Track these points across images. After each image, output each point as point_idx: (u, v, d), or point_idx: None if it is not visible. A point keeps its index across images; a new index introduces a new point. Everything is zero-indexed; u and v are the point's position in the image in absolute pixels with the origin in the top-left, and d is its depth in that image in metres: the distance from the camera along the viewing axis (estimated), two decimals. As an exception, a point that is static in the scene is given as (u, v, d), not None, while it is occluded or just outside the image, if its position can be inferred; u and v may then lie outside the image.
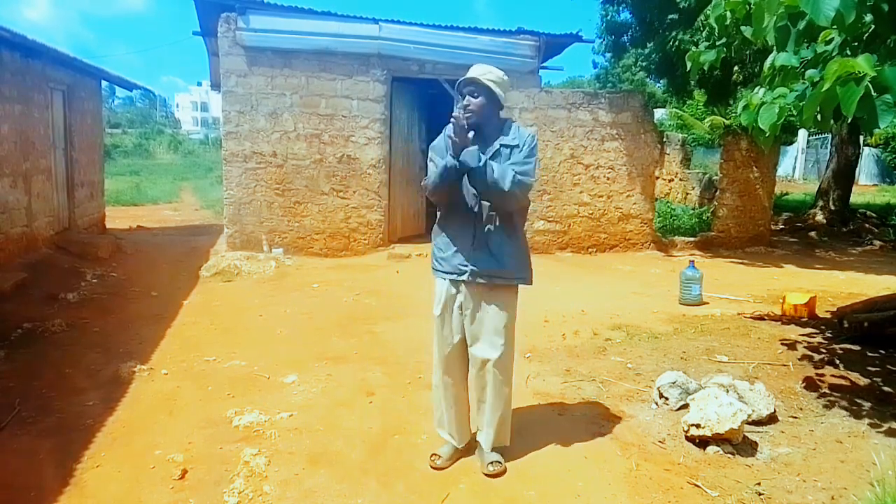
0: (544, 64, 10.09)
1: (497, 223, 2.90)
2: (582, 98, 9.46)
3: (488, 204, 2.88)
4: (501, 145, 2.86)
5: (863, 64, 2.36)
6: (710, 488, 2.89)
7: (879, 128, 2.46)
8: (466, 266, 2.91)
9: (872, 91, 2.38)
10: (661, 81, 13.87)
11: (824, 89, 2.46)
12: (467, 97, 2.83)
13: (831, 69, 2.42)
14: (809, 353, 4.89)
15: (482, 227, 2.90)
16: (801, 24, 2.79)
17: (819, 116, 2.72)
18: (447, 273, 2.97)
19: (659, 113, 18.47)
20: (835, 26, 2.63)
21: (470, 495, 2.82)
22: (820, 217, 12.79)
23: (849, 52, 3.00)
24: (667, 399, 3.80)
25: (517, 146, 2.85)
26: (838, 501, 2.82)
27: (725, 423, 3.19)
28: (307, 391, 4.00)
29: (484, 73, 2.85)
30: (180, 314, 5.77)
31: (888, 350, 4.90)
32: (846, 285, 7.78)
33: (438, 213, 3.08)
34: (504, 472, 2.98)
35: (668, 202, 13.50)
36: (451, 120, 2.73)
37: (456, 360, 3.05)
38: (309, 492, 2.84)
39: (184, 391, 3.97)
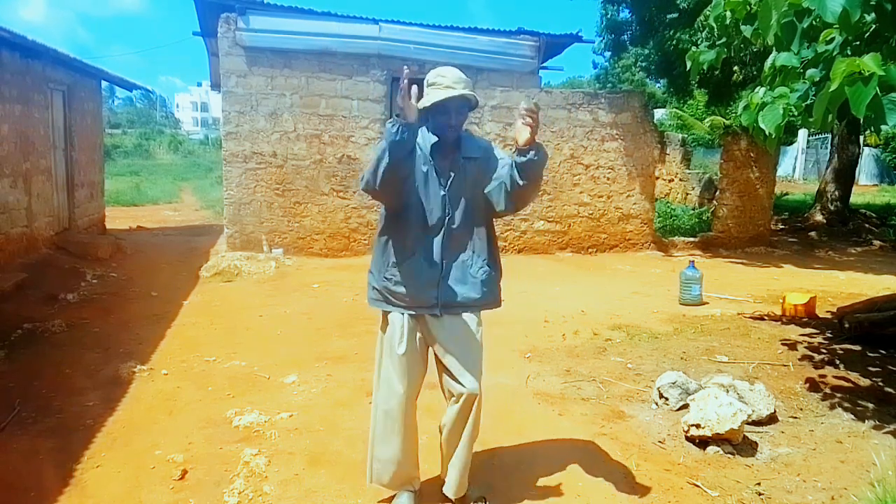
0: (544, 64, 10.09)
1: (474, 235, 2.52)
2: (582, 98, 9.46)
3: (462, 211, 2.48)
4: (464, 158, 2.49)
5: (870, 63, 2.36)
6: (710, 488, 2.89)
7: (888, 125, 2.46)
8: (436, 299, 2.48)
9: (878, 90, 2.39)
10: (661, 81, 13.90)
11: (832, 89, 2.46)
12: (454, 116, 2.42)
13: (839, 68, 2.41)
14: (810, 353, 4.89)
15: (454, 245, 2.49)
16: (806, 22, 2.79)
17: (828, 116, 2.72)
18: (407, 308, 2.52)
19: (659, 113, 18.46)
20: (836, 25, 2.63)
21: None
22: (820, 217, 12.81)
23: (849, 52, 3.00)
24: (667, 399, 3.80)
25: (480, 158, 2.50)
26: (838, 501, 2.82)
27: (725, 423, 3.19)
28: (307, 391, 3.99)
29: (468, 85, 2.44)
30: (180, 314, 5.77)
31: (888, 350, 4.90)
32: (846, 285, 7.78)
33: (381, 227, 2.57)
34: None
35: (668, 202, 13.50)
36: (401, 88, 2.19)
37: (414, 402, 2.63)
38: (309, 492, 2.83)
39: (184, 391, 3.97)
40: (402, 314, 2.52)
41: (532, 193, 2.45)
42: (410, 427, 2.63)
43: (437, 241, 2.47)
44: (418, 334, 2.55)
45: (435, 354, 2.59)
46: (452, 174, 2.47)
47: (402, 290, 2.49)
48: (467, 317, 2.55)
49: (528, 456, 3.16)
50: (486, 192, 2.46)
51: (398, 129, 2.19)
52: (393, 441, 2.59)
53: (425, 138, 2.47)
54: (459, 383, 2.51)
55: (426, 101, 2.38)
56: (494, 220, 2.63)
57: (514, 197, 2.40)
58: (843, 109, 2.60)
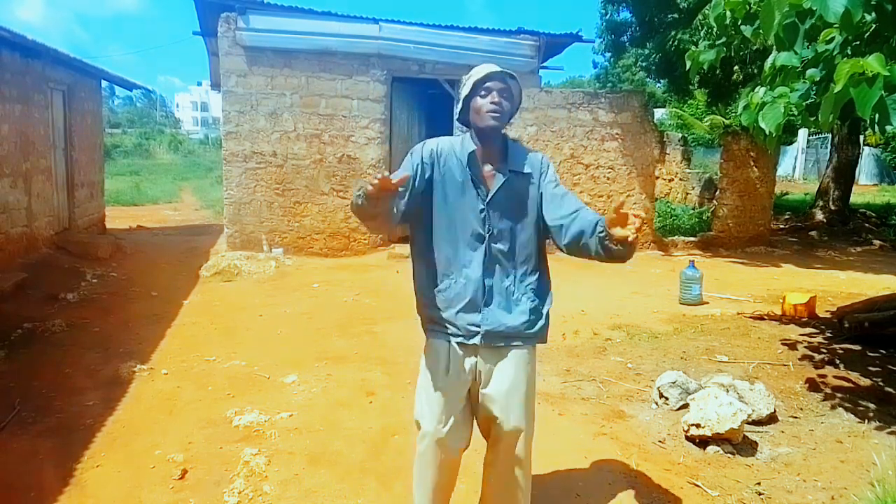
0: (544, 64, 10.10)
1: (519, 257, 2.23)
2: (582, 98, 9.46)
3: (504, 229, 2.19)
4: (511, 172, 2.18)
5: (874, 64, 2.35)
6: (710, 488, 2.89)
7: (893, 126, 2.45)
8: (478, 327, 2.18)
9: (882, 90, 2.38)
10: (661, 81, 13.89)
11: (837, 90, 2.45)
12: (497, 94, 2.13)
13: (843, 69, 2.41)
14: (810, 352, 4.89)
15: (496, 267, 2.20)
16: (808, 23, 2.79)
17: (831, 117, 2.72)
18: (452, 336, 2.22)
19: (659, 113, 18.48)
20: (836, 25, 2.63)
21: (470, 495, 2.81)
22: (820, 217, 12.80)
23: (849, 52, 3.00)
24: (667, 399, 3.80)
25: (531, 174, 2.21)
26: (838, 501, 2.82)
27: (725, 422, 3.19)
28: (307, 391, 3.99)
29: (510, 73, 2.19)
30: (180, 314, 5.77)
31: (888, 350, 4.90)
32: (846, 285, 7.78)
33: (413, 244, 2.29)
34: None
35: (668, 202, 13.50)
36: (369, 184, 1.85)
37: (452, 450, 2.24)
38: (309, 492, 2.84)
39: (184, 391, 3.97)
40: (449, 341, 2.21)
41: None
42: (451, 467, 2.28)
43: (477, 259, 2.18)
44: (467, 363, 2.20)
45: (473, 395, 2.25)
46: (495, 186, 2.17)
47: (439, 314, 2.20)
48: (516, 352, 2.21)
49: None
50: (549, 224, 2.20)
51: (357, 194, 1.95)
52: (421, 491, 2.29)
53: (465, 145, 2.20)
54: (501, 421, 2.16)
55: (464, 90, 2.19)
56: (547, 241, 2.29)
57: (579, 254, 2.17)
58: (845, 110, 2.60)
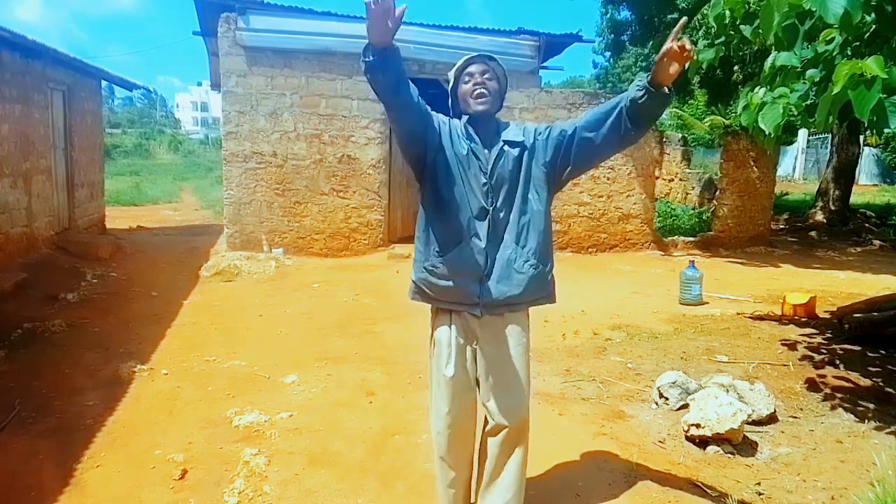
0: (544, 64, 10.10)
1: (521, 226, 2.25)
2: (582, 98, 9.46)
3: (506, 200, 2.24)
4: (504, 142, 2.25)
5: (873, 66, 2.35)
6: (710, 488, 2.89)
7: (890, 128, 2.45)
8: (478, 298, 2.24)
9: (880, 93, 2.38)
10: (661, 81, 13.90)
11: (835, 92, 2.45)
12: (479, 76, 2.22)
13: (842, 71, 2.40)
14: (809, 353, 4.89)
15: (500, 237, 2.24)
16: (808, 24, 2.79)
17: (829, 118, 2.71)
18: (451, 304, 2.29)
19: (659, 113, 18.42)
20: (836, 26, 2.63)
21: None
22: (820, 217, 12.81)
23: (849, 52, 3.00)
24: (667, 399, 3.80)
25: (522, 142, 2.26)
26: (838, 501, 2.82)
27: (725, 423, 3.19)
28: (307, 391, 4.00)
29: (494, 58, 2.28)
30: (180, 314, 5.77)
31: (888, 350, 4.90)
32: (846, 285, 7.78)
33: (423, 216, 2.31)
34: None
35: (668, 202, 13.50)
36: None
37: (466, 426, 2.39)
38: (309, 492, 2.84)
39: (184, 391, 3.97)
40: (448, 321, 2.31)
41: (629, 143, 2.28)
42: (464, 451, 2.42)
43: (483, 230, 2.22)
44: (468, 352, 2.31)
45: (475, 366, 2.34)
46: (494, 160, 2.23)
47: (442, 283, 2.25)
48: (513, 327, 2.30)
49: (528, 455, 3.15)
50: (585, 134, 2.22)
51: (365, 50, 1.93)
52: (444, 466, 2.42)
53: (464, 124, 2.30)
54: (500, 412, 2.28)
55: (450, 83, 2.30)
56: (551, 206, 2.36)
57: (612, 144, 2.23)
58: (844, 111, 2.60)
